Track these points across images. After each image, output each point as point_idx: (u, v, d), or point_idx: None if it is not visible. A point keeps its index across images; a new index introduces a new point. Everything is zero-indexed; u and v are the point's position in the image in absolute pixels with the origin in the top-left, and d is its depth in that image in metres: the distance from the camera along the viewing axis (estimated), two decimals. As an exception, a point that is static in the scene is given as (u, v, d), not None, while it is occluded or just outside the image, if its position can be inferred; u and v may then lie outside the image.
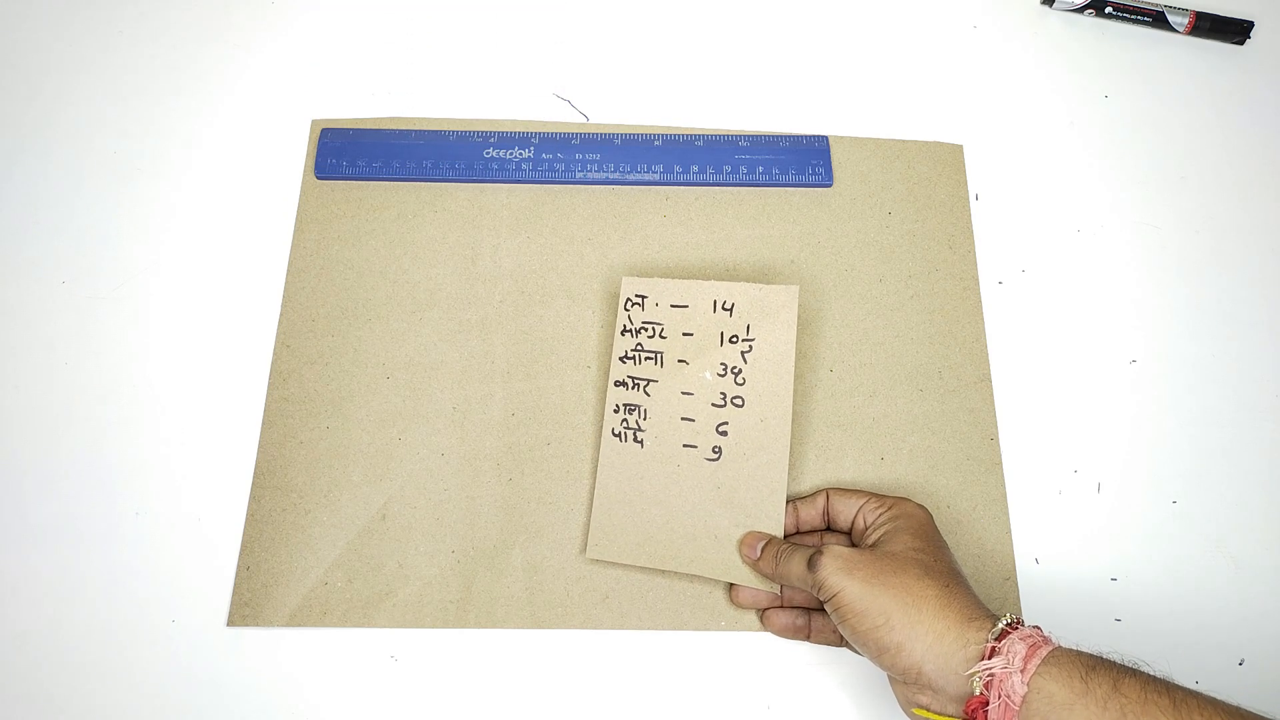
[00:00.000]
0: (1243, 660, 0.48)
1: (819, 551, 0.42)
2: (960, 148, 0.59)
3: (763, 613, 0.47)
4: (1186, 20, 0.61)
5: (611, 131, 0.58)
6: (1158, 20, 0.62)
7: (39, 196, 0.55)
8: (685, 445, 0.48)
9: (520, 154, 0.57)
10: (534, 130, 0.58)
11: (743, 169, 0.57)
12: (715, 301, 0.50)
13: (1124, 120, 0.60)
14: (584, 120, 0.59)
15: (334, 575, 0.47)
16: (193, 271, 0.54)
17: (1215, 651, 0.48)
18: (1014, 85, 0.61)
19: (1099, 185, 0.58)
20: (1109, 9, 0.62)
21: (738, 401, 0.48)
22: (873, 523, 0.45)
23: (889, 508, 0.45)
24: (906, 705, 0.40)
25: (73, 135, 0.57)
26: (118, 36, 0.59)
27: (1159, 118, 0.60)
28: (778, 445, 0.47)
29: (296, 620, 0.46)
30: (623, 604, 0.48)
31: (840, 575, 0.40)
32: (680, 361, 0.49)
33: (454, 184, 0.56)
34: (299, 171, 0.56)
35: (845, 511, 0.46)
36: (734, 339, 0.49)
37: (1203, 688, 0.46)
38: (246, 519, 0.48)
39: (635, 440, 0.49)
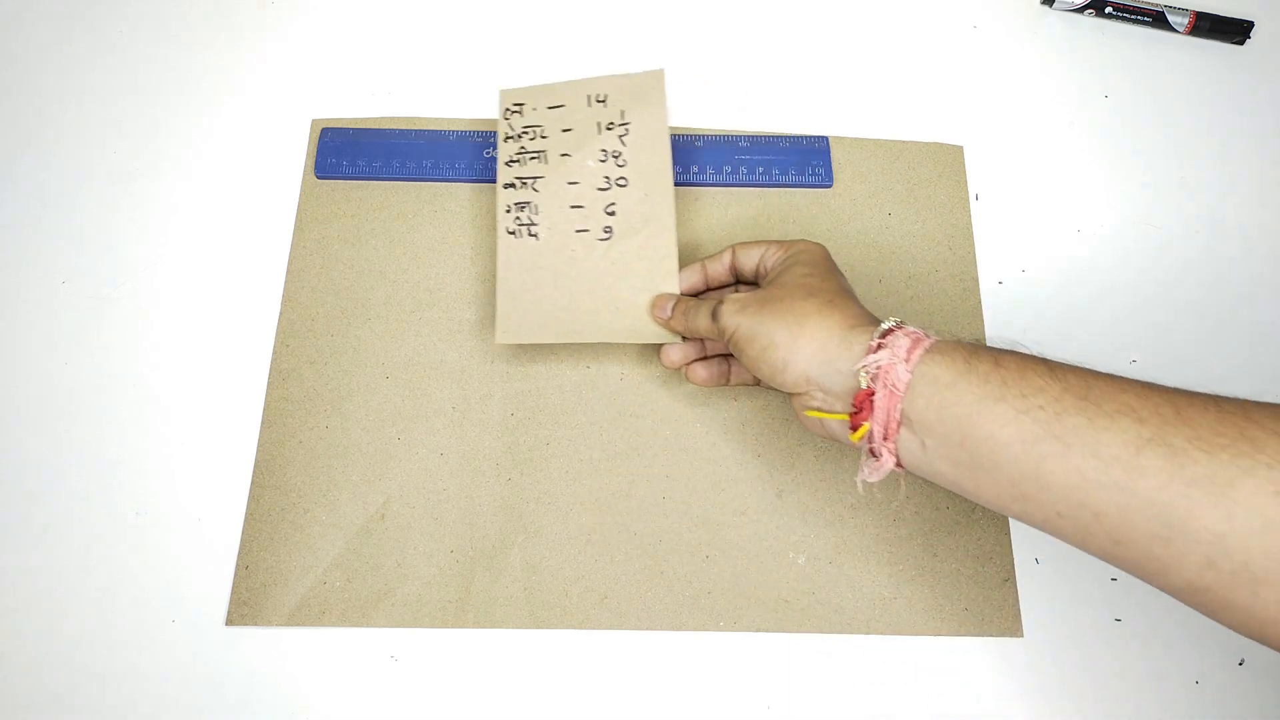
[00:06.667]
0: (1243, 660, 0.47)
1: (720, 301, 0.44)
2: (960, 149, 0.59)
3: (687, 369, 0.49)
4: (1186, 20, 0.61)
5: (611, 131, 0.58)
6: (1158, 20, 0.62)
7: (39, 196, 0.55)
8: (578, 230, 0.51)
9: (520, 154, 0.57)
10: (534, 130, 0.58)
11: (743, 169, 0.57)
12: (589, 96, 0.53)
13: (1124, 120, 0.60)
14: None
15: (333, 575, 0.47)
16: (193, 271, 0.54)
17: (1215, 651, 0.48)
18: (1014, 85, 0.61)
19: (1099, 185, 0.58)
20: (1109, 9, 0.62)
21: (621, 182, 0.51)
22: (772, 265, 0.46)
23: (786, 249, 0.46)
24: (800, 412, 0.41)
25: (73, 135, 0.57)
26: (118, 36, 0.60)
27: (1159, 118, 0.60)
28: (664, 214, 0.50)
29: (295, 620, 0.46)
30: (621, 604, 0.47)
31: (735, 315, 0.43)
32: (563, 155, 0.52)
33: (454, 184, 0.56)
34: (299, 171, 0.56)
35: (749, 262, 0.48)
36: (610, 126, 0.52)
37: (1203, 688, 0.47)
38: (245, 518, 0.48)
39: (530, 235, 0.51)
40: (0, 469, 0.49)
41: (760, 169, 0.57)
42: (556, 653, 0.47)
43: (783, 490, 0.50)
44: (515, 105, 0.53)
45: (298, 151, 0.57)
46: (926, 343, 0.37)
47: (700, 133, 0.58)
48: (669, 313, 0.48)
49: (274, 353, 0.52)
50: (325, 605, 0.47)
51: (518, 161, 0.52)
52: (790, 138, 0.58)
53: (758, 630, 0.47)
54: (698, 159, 0.57)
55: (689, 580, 0.48)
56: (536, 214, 0.51)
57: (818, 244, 0.46)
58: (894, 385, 0.36)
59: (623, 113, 0.52)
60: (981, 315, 0.54)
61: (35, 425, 0.50)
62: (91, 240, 0.54)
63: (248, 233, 0.55)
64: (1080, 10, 0.63)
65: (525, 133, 0.53)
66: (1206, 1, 0.62)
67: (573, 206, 0.51)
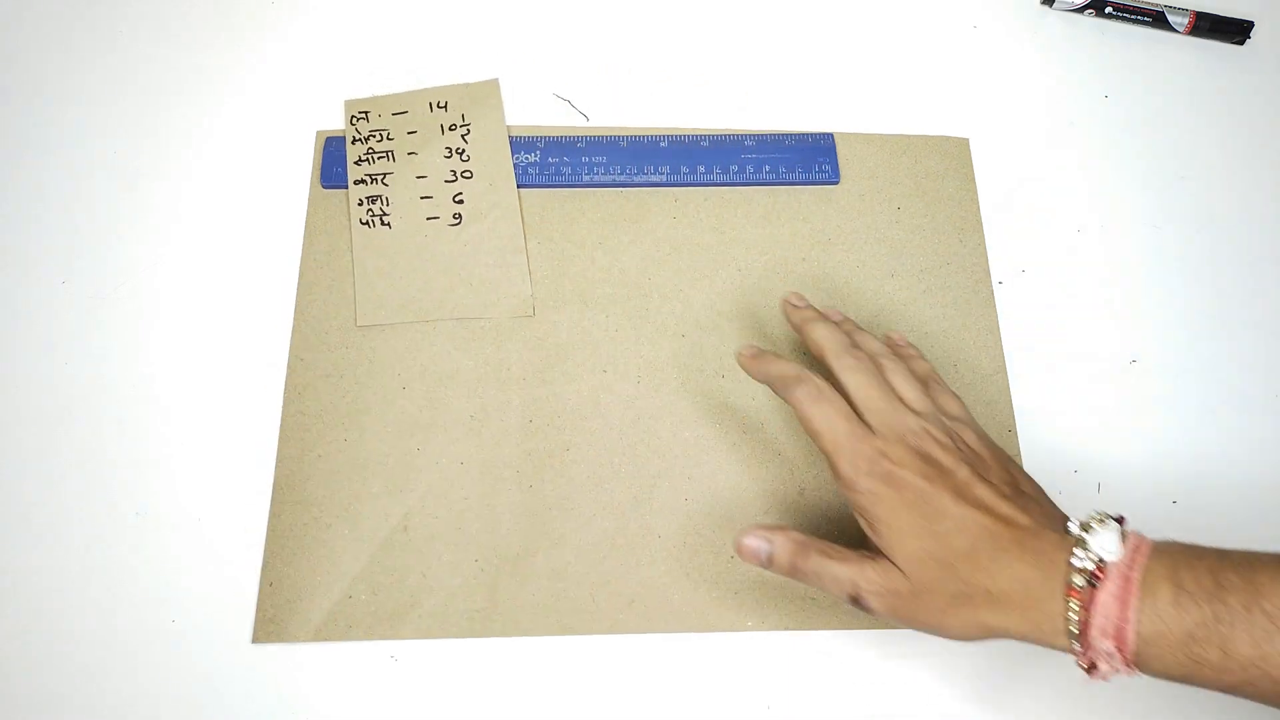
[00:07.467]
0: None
1: (860, 595, 0.39)
2: (966, 140, 0.59)
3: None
4: (1186, 20, 0.62)
5: (617, 134, 0.58)
6: (1158, 20, 0.63)
7: (39, 196, 0.54)
8: (429, 218, 0.54)
9: (527, 159, 0.56)
10: (540, 135, 0.57)
11: (749, 168, 0.57)
12: (431, 103, 0.57)
13: (1124, 120, 0.61)
14: (584, 120, 0.58)
15: (357, 589, 0.47)
16: (201, 287, 0.53)
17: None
18: (1014, 86, 0.61)
19: (1099, 185, 0.59)
20: (1109, 9, 0.63)
21: (467, 175, 0.55)
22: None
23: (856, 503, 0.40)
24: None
25: (73, 135, 0.56)
26: (118, 36, 0.58)
27: (1159, 118, 0.61)
28: (509, 201, 0.55)
29: (322, 635, 0.46)
30: (649, 608, 0.47)
31: (889, 612, 0.39)
32: (410, 154, 0.56)
33: (462, 188, 0.56)
34: (306, 182, 0.55)
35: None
36: (453, 127, 0.56)
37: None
38: (267, 534, 0.47)
39: (383, 224, 0.54)
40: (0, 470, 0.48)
41: (767, 167, 0.57)
42: (557, 655, 0.46)
43: (804, 488, 0.50)
44: (360, 113, 0.56)
45: (304, 162, 0.56)
46: (1133, 601, 0.35)
47: (705, 133, 0.58)
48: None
49: (289, 367, 0.51)
50: (351, 620, 0.46)
51: (366, 161, 0.55)
52: (795, 135, 0.58)
53: (786, 629, 0.47)
54: (704, 159, 0.57)
55: (715, 581, 0.48)
56: (388, 205, 0.54)
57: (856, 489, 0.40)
58: (1122, 652, 0.35)
59: (463, 115, 0.57)
60: (995, 307, 0.54)
61: (35, 427, 0.49)
62: (91, 240, 0.53)
63: (258, 245, 0.54)
64: (1080, 10, 0.63)
65: (372, 135, 0.56)
66: (1206, 1, 0.63)
67: (423, 197, 0.54)
